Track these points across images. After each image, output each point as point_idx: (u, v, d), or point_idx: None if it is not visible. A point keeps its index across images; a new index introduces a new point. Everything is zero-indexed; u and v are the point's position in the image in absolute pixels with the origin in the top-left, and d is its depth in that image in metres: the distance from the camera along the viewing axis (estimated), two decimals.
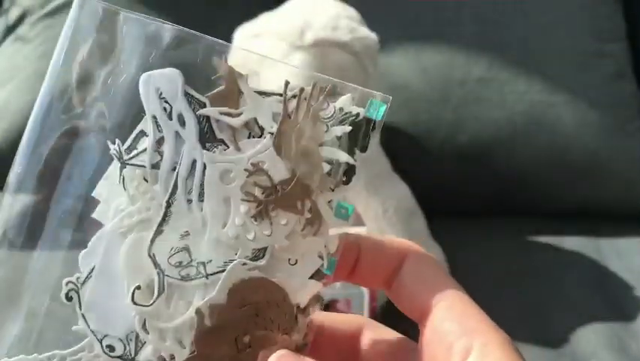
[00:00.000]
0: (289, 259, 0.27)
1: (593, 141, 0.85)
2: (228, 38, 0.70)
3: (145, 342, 0.26)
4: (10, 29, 0.96)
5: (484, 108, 0.86)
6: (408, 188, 0.73)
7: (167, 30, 0.27)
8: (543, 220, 0.85)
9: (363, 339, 0.28)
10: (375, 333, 0.28)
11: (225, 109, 0.27)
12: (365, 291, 0.63)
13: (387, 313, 0.65)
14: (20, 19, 0.95)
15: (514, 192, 0.87)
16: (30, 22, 0.94)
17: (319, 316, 0.27)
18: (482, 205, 0.87)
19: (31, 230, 0.27)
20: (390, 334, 0.28)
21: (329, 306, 0.56)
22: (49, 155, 0.27)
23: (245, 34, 0.69)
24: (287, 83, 0.27)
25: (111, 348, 0.26)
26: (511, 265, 0.77)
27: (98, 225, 0.27)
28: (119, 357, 0.26)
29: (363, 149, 0.27)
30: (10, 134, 0.83)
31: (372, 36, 0.69)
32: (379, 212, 0.67)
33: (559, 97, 0.86)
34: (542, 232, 0.84)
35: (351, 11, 0.70)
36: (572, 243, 0.82)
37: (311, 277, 0.27)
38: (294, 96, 0.27)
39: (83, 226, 0.27)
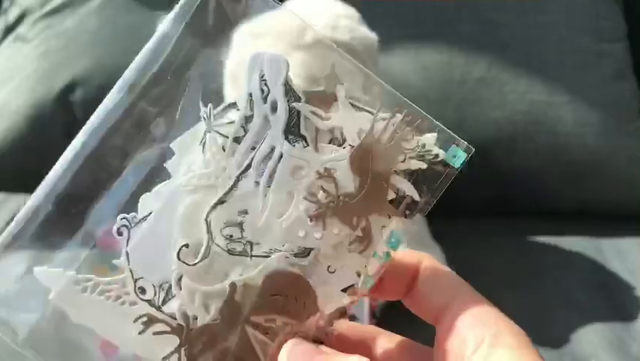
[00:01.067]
0: (329, 267, 0.28)
1: (593, 141, 0.84)
2: None
3: (174, 296, 0.27)
4: (10, 29, 0.95)
5: (484, 108, 0.85)
6: None
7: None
8: (543, 220, 0.85)
9: (376, 346, 0.29)
10: (388, 340, 0.29)
11: (317, 109, 0.28)
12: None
13: (386, 313, 0.67)
14: (20, 19, 0.95)
15: (514, 192, 0.87)
16: (30, 22, 0.93)
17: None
18: (482, 205, 0.87)
19: None
20: (403, 341, 0.29)
21: None
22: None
23: (244, 33, 0.70)
24: (380, 104, 0.28)
25: (142, 290, 0.28)
26: (511, 266, 0.77)
27: None
28: (147, 301, 0.27)
29: (432, 190, 0.28)
30: (10, 133, 0.84)
31: (372, 36, 0.68)
32: None
33: (559, 97, 0.85)
34: (542, 232, 0.84)
35: (351, 11, 0.69)
36: (572, 243, 0.81)
37: (343, 290, 0.28)
38: (383, 119, 0.28)
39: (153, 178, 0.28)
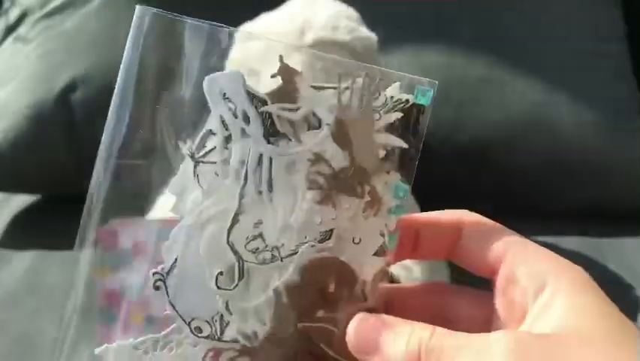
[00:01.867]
0: (353, 239, 0.29)
1: (593, 141, 0.85)
2: None
3: (229, 322, 0.29)
4: (10, 29, 0.96)
5: (483, 108, 0.86)
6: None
7: (224, 32, 0.29)
8: (543, 220, 0.85)
9: (443, 303, 0.30)
10: (454, 295, 0.30)
11: (284, 104, 0.29)
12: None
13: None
14: (20, 20, 0.96)
15: (514, 192, 0.87)
16: (30, 23, 0.94)
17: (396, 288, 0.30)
18: (482, 205, 0.87)
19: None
20: (469, 294, 0.30)
21: None
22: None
23: (245, 34, 0.69)
24: (339, 75, 0.29)
25: (199, 330, 0.29)
26: None
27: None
28: (206, 337, 0.29)
29: (415, 133, 0.29)
30: (10, 134, 0.84)
31: (372, 36, 0.69)
32: None
33: (558, 97, 0.86)
34: (542, 231, 0.82)
35: (351, 11, 0.70)
36: (572, 243, 0.82)
37: (375, 254, 0.29)
38: (346, 88, 0.29)
39: None
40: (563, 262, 0.27)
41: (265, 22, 0.69)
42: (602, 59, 0.90)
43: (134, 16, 0.29)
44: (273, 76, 0.29)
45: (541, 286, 0.26)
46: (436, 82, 0.29)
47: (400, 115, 0.29)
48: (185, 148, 0.29)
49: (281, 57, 0.29)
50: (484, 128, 0.86)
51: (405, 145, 0.29)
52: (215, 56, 0.29)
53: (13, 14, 0.97)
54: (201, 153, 0.29)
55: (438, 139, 0.85)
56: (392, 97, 0.29)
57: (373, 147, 0.29)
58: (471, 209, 0.93)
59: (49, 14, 0.93)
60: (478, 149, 0.86)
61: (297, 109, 0.29)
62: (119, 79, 0.30)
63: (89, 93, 0.84)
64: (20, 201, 0.91)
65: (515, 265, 0.27)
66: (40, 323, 0.70)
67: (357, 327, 0.28)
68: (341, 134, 0.29)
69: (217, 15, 0.89)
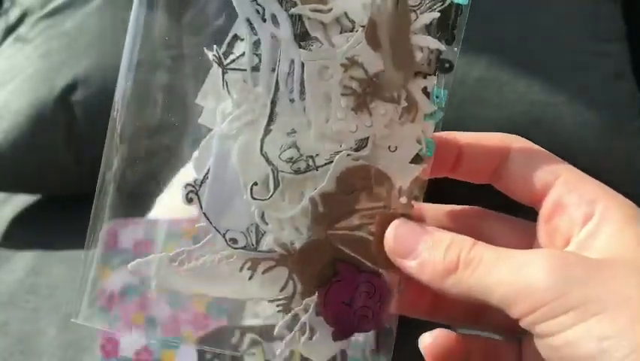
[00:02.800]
0: (389, 147, 0.28)
1: (593, 141, 0.84)
2: None
3: (265, 232, 0.28)
4: (11, 29, 0.96)
5: (483, 108, 0.85)
6: None
7: None
8: None
9: (481, 225, 0.30)
10: (492, 219, 0.30)
11: (316, 6, 0.27)
12: None
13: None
14: (20, 20, 0.95)
15: None
16: (30, 23, 0.93)
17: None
18: (482, 205, 0.87)
19: None
20: (506, 220, 0.30)
21: None
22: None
23: None
24: None
25: (234, 241, 0.29)
26: None
27: None
28: (242, 248, 0.29)
29: (452, 34, 0.28)
30: (10, 134, 0.83)
31: None
32: None
33: (558, 97, 0.85)
34: None
35: None
36: None
37: (411, 162, 0.28)
38: None
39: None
40: (612, 192, 0.27)
41: None
42: (602, 59, 0.89)
43: None
44: None
45: (590, 214, 0.26)
46: None
47: (437, 15, 0.28)
48: (212, 54, 0.28)
49: None
50: (484, 128, 0.85)
51: (443, 47, 0.28)
52: None
53: (14, 14, 0.96)
54: (229, 60, 0.28)
55: None
56: None
57: (409, 50, 0.28)
58: None
59: (50, 14, 0.93)
60: None
61: (329, 10, 0.28)
62: None
63: (90, 93, 0.84)
64: (20, 201, 0.91)
65: (564, 192, 0.27)
66: (40, 323, 0.70)
67: (396, 230, 0.27)
68: (375, 37, 0.27)
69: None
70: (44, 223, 0.87)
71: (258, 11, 0.27)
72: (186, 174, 0.29)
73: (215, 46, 0.28)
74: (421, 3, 0.28)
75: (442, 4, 0.28)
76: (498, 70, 0.86)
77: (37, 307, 0.73)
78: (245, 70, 0.28)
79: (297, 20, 0.27)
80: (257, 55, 0.28)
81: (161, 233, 0.51)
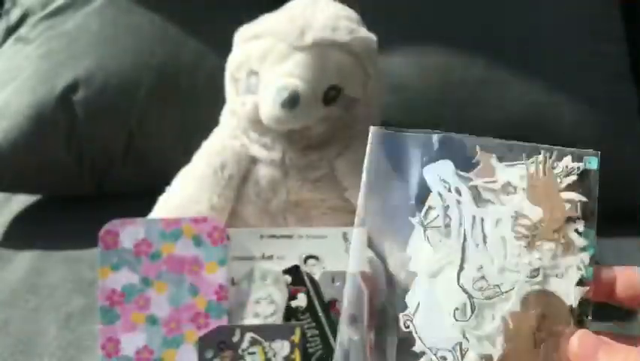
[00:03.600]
0: (557, 274, 0.37)
1: (592, 142, 0.79)
2: (228, 39, 0.71)
3: (467, 349, 0.36)
4: (12, 30, 0.96)
5: (483, 109, 0.85)
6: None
7: (434, 137, 0.40)
8: None
9: None
10: None
11: (487, 178, 0.39)
12: (364, 291, 0.65)
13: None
14: (21, 20, 0.96)
15: None
16: (31, 23, 0.94)
17: None
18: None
19: None
20: None
21: (329, 305, 0.56)
22: None
23: (245, 35, 0.70)
24: (524, 154, 0.39)
25: (444, 358, 0.36)
26: None
27: None
28: None
29: (590, 190, 0.38)
30: (10, 134, 0.83)
31: (372, 37, 0.69)
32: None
33: (558, 97, 0.85)
34: None
35: (350, 12, 0.70)
36: None
37: (577, 285, 0.37)
38: (532, 162, 0.39)
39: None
40: None
41: (265, 22, 0.69)
42: (601, 59, 0.88)
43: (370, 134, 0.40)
44: (474, 160, 0.39)
45: None
46: (599, 152, 0.39)
47: (575, 178, 0.38)
48: (415, 220, 0.39)
49: (479, 147, 0.39)
50: (484, 129, 0.80)
51: (584, 199, 0.38)
52: (428, 156, 0.39)
53: (15, 15, 0.97)
54: (427, 221, 0.39)
55: None
56: (567, 166, 0.39)
57: (561, 202, 0.38)
58: None
59: (51, 15, 0.94)
60: None
61: (495, 181, 0.39)
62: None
63: (90, 93, 0.84)
64: (20, 201, 0.91)
65: None
66: (41, 323, 0.69)
67: (580, 338, 0.35)
68: (534, 195, 0.38)
69: (217, 15, 0.90)
70: (44, 223, 0.86)
71: (445, 186, 0.39)
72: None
73: (417, 213, 0.39)
74: (562, 171, 0.38)
75: (578, 170, 0.38)
76: (497, 71, 0.85)
77: (37, 307, 0.72)
78: (440, 227, 0.38)
79: (474, 190, 0.39)
80: (448, 215, 0.38)
81: (161, 233, 0.55)
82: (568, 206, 0.38)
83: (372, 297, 0.38)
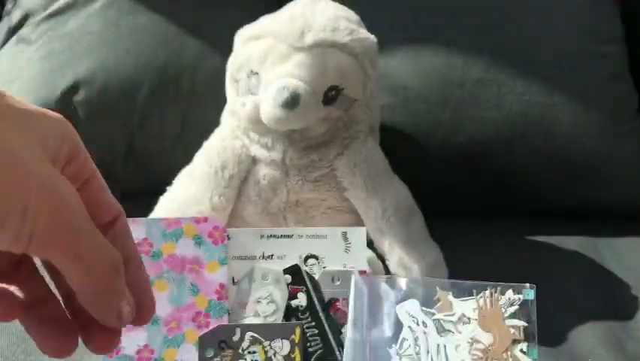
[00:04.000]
0: None
1: (592, 141, 0.84)
2: (229, 40, 0.71)
3: None
4: (13, 31, 0.96)
5: (482, 109, 0.85)
6: (407, 188, 0.72)
7: (403, 281, 0.50)
8: (541, 220, 0.85)
9: None
10: None
11: (446, 312, 0.49)
12: (365, 291, 0.62)
13: None
14: (23, 21, 0.95)
15: (513, 193, 0.87)
16: (33, 24, 0.93)
17: None
18: (481, 206, 0.87)
19: None
20: None
21: (329, 304, 0.56)
22: None
23: (245, 35, 0.70)
24: (475, 290, 0.49)
25: None
26: (510, 265, 0.75)
27: None
28: None
29: (530, 317, 0.48)
30: None
31: (372, 37, 0.69)
32: (379, 212, 0.68)
33: (557, 98, 0.85)
34: (540, 232, 0.84)
35: (350, 13, 0.70)
36: (570, 243, 0.82)
37: None
38: (481, 297, 0.49)
39: None
40: None
41: (265, 23, 0.69)
42: (600, 59, 0.89)
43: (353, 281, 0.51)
44: (434, 299, 0.49)
45: None
46: (535, 285, 0.49)
47: (517, 307, 0.48)
48: (392, 351, 0.48)
49: (440, 290, 0.49)
50: (483, 129, 0.85)
51: (526, 324, 0.47)
52: (399, 296, 0.50)
53: (16, 15, 0.96)
54: (402, 350, 0.48)
55: (437, 140, 0.85)
56: (509, 298, 0.48)
57: (507, 328, 0.47)
58: (470, 209, 0.87)
59: (52, 15, 0.93)
60: (477, 150, 0.85)
61: (454, 314, 0.49)
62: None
63: (91, 94, 0.84)
64: None
65: None
66: None
67: None
68: (485, 323, 0.48)
69: (217, 16, 0.92)
70: None
71: (413, 320, 0.49)
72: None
73: (393, 345, 0.48)
74: (506, 302, 0.48)
75: (519, 300, 0.48)
76: (496, 71, 0.86)
77: None
78: (412, 355, 0.48)
79: (437, 322, 0.48)
80: (417, 345, 0.48)
81: (162, 233, 0.55)
82: (512, 331, 0.47)
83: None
